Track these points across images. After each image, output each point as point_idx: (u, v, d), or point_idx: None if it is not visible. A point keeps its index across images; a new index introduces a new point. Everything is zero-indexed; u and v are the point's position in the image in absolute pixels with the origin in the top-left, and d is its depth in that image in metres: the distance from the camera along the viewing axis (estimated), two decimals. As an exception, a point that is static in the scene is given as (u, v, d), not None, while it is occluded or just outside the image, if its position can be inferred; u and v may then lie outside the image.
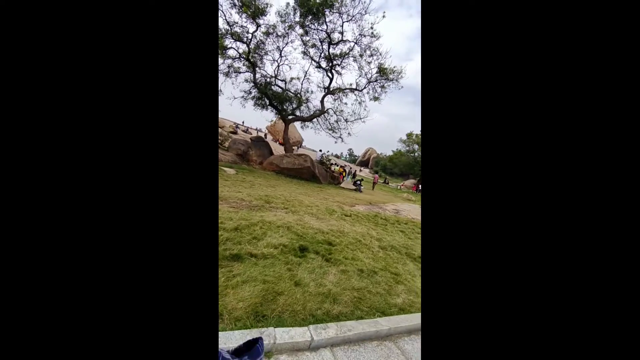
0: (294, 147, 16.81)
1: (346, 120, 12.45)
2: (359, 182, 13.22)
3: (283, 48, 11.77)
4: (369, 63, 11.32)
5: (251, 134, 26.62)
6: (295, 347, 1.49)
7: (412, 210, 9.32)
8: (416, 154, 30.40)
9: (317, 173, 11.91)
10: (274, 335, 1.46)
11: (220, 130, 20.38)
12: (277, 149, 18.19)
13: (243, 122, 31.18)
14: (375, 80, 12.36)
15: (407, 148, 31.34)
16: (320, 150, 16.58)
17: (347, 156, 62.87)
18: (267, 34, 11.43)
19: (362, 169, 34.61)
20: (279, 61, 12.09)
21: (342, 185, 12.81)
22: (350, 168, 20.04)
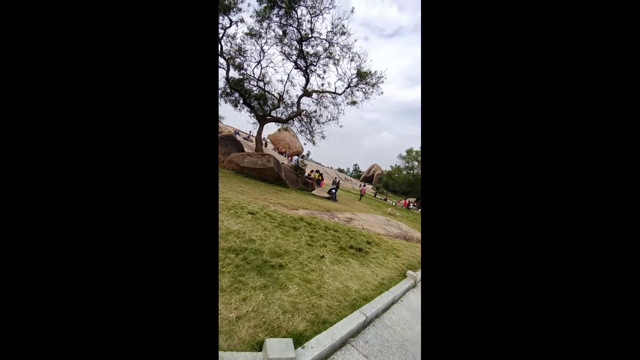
0: (293, 157, 16.01)
1: (317, 122, 11.70)
2: (333, 191, 12.18)
3: (262, 48, 11.51)
4: (338, 61, 10.65)
5: (252, 141, 26.70)
6: None
7: (372, 221, 8.12)
8: (415, 171, 28.83)
9: (283, 176, 11.06)
10: None
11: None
12: (278, 158, 17.59)
13: (250, 132, 31.13)
14: (356, 85, 11.69)
15: (407, 164, 29.82)
16: (298, 156, 15.80)
17: (353, 171, 61.89)
18: (250, 34, 11.25)
19: (363, 184, 33.36)
20: (261, 61, 11.82)
21: (314, 192, 11.82)
22: (336, 178, 19.03)
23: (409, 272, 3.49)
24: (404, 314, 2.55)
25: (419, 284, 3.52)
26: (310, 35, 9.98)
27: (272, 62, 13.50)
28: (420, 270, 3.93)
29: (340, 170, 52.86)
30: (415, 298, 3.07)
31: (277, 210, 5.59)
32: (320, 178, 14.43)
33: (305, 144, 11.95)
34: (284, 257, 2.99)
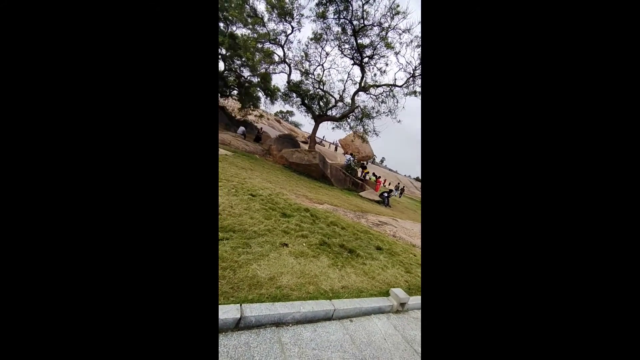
0: (363, 162, 15.67)
1: (369, 117, 10.69)
2: (386, 195, 10.83)
3: (324, 49, 11.77)
4: (394, 47, 9.34)
5: (324, 145, 28.19)
6: None
7: (415, 230, 6.49)
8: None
9: (329, 174, 10.73)
10: None
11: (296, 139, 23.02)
12: (342, 159, 17.84)
13: (323, 137, 33.27)
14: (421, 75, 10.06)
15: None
16: (352, 154, 14.98)
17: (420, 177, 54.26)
18: (315, 39, 11.82)
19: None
20: (323, 63, 12.16)
21: (361, 194, 10.89)
22: (399, 184, 16.90)
23: (395, 290, 2.43)
24: (333, 337, 1.72)
25: (409, 313, 2.39)
26: (363, 25, 9.35)
27: (335, 62, 13.63)
28: (419, 296, 2.71)
29: (418, 179, 47.36)
30: (383, 326, 2.06)
31: (291, 199, 5.34)
32: (374, 179, 13.19)
33: (353, 140, 11.15)
34: (233, 234, 2.69)
